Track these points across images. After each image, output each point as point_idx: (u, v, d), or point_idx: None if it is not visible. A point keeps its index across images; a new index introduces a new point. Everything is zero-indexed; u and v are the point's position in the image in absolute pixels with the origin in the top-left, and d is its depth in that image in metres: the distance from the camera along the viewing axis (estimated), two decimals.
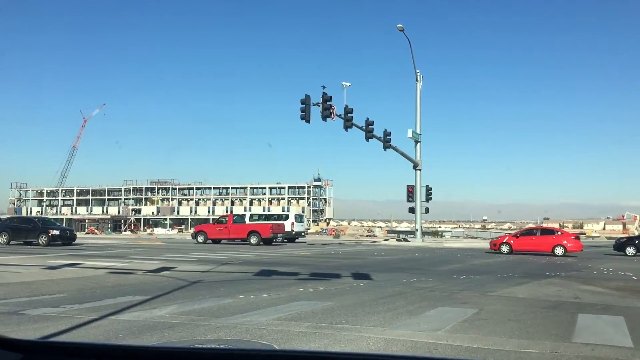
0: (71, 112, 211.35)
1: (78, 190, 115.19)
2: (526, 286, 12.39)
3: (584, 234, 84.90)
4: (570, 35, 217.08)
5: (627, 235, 35.24)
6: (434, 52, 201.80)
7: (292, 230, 39.82)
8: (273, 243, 34.31)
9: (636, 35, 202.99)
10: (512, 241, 28.27)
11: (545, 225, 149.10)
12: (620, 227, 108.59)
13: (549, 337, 6.63)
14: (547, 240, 27.58)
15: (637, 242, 28.74)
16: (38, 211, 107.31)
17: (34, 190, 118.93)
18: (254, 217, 43.29)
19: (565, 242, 27.03)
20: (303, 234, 44.18)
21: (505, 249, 27.90)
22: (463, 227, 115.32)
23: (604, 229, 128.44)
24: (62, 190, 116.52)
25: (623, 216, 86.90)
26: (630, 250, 27.78)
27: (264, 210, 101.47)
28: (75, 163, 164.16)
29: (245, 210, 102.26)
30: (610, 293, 11.35)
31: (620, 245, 29.06)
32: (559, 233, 29.39)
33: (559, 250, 26.42)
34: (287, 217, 43.18)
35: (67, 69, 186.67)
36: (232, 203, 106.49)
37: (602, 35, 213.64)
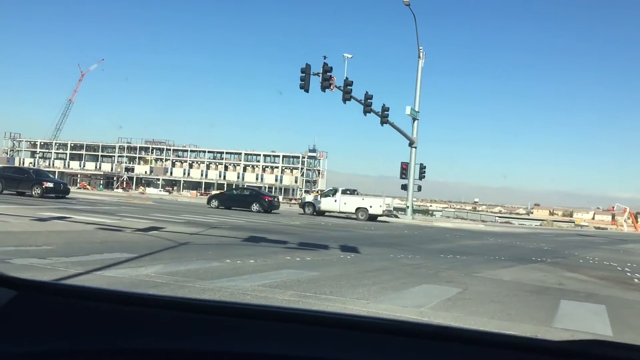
0: (69, 65, 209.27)
1: (72, 145, 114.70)
2: (512, 269, 12.49)
3: (573, 222, 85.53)
4: (572, 18, 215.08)
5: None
6: (438, 28, 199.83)
7: None
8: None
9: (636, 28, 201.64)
10: None
11: (534, 211, 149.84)
12: (610, 218, 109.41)
13: (530, 320, 6.69)
14: None
15: None
16: (31, 162, 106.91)
17: (27, 141, 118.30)
18: None
19: None
20: None
21: None
22: (454, 208, 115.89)
23: (593, 218, 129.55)
24: (56, 143, 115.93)
25: (613, 207, 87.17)
26: None
27: (257, 179, 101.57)
28: (70, 117, 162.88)
29: (238, 177, 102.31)
30: (594, 282, 11.45)
31: None
32: None
33: None
34: None
35: (66, 23, 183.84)
36: (226, 168, 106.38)
37: (605, 17, 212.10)
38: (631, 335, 6.47)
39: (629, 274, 13.73)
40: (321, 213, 36.55)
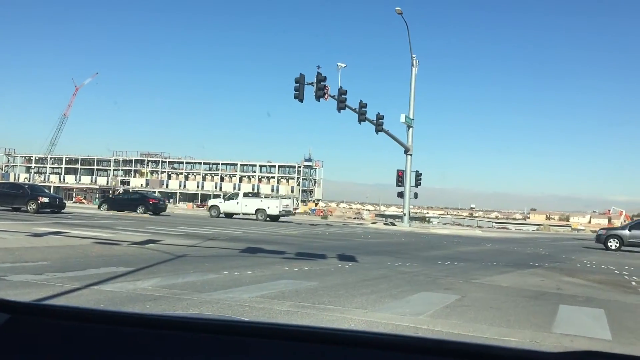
0: (64, 81, 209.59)
1: (67, 159, 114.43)
2: (509, 275, 12.48)
3: (570, 226, 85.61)
4: (568, 22, 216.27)
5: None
6: (431, 39, 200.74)
7: None
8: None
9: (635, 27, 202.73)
10: None
11: (530, 216, 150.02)
12: (606, 221, 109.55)
13: (529, 326, 6.68)
14: None
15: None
16: (26, 177, 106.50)
17: (22, 156, 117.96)
18: None
19: None
20: None
21: None
22: (450, 214, 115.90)
23: (589, 222, 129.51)
24: (51, 157, 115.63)
25: (609, 210, 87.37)
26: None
27: (253, 189, 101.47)
28: (65, 131, 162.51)
29: (234, 188, 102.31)
30: (592, 285, 11.45)
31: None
32: None
33: None
34: None
35: (60, 38, 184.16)
36: (222, 179, 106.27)
37: (600, 22, 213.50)
38: (630, 339, 6.46)
39: (626, 277, 13.74)
40: (229, 215, 38.98)
